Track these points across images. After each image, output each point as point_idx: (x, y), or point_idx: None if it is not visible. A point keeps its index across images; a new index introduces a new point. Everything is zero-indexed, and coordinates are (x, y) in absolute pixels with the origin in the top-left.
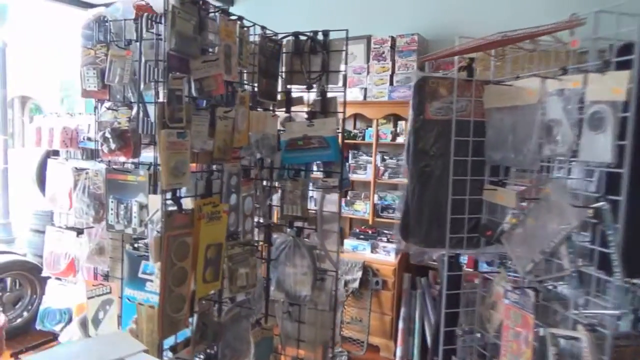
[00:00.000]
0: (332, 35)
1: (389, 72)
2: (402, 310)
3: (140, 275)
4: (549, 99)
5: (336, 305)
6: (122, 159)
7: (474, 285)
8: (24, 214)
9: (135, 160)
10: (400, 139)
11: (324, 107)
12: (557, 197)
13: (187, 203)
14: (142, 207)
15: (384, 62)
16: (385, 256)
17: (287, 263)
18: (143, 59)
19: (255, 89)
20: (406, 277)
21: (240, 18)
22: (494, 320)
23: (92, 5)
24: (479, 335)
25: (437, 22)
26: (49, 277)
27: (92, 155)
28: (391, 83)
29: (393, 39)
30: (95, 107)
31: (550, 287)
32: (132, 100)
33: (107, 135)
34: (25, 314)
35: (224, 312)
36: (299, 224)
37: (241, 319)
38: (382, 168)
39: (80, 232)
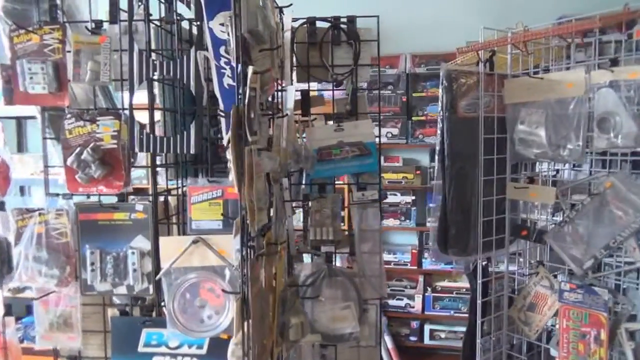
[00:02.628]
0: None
1: None
2: None
3: (141, 349)
4: (600, 91)
5: (381, 337)
6: (107, 189)
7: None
8: None
9: (122, 190)
10: None
11: (354, 108)
12: (623, 189)
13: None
14: (144, 254)
15: None
16: None
17: (321, 298)
18: (137, 47)
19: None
20: None
21: None
22: (535, 322)
23: None
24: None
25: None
26: None
27: None
28: None
29: None
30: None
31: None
32: (107, 107)
33: (87, 156)
34: None
35: None
36: (326, 248)
37: None
38: None
39: None
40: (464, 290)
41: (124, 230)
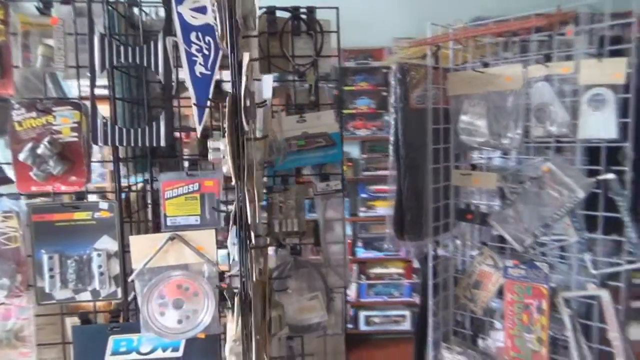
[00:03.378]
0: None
1: None
2: None
3: (109, 358)
4: (537, 85)
5: (346, 325)
6: (65, 187)
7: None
8: None
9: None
10: None
11: (317, 100)
12: (559, 173)
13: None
14: (110, 256)
15: None
16: None
17: (289, 290)
18: (97, 31)
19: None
20: None
21: None
22: (481, 299)
23: None
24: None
25: None
26: None
27: None
28: None
29: None
30: None
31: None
32: (59, 96)
33: (45, 151)
34: None
35: None
36: (291, 240)
37: None
38: None
39: None
40: (396, 275)
41: (86, 231)
